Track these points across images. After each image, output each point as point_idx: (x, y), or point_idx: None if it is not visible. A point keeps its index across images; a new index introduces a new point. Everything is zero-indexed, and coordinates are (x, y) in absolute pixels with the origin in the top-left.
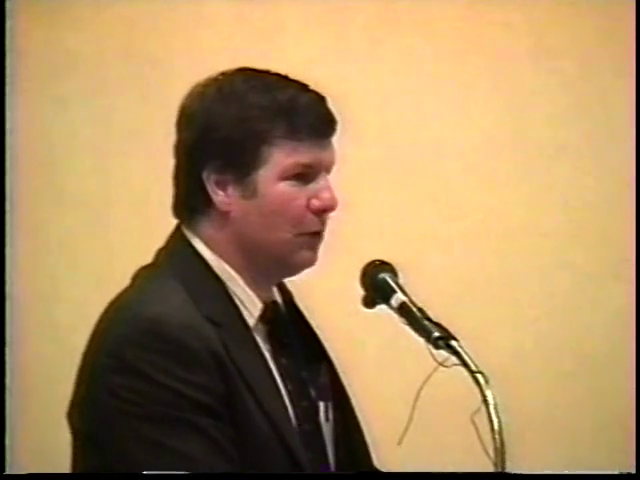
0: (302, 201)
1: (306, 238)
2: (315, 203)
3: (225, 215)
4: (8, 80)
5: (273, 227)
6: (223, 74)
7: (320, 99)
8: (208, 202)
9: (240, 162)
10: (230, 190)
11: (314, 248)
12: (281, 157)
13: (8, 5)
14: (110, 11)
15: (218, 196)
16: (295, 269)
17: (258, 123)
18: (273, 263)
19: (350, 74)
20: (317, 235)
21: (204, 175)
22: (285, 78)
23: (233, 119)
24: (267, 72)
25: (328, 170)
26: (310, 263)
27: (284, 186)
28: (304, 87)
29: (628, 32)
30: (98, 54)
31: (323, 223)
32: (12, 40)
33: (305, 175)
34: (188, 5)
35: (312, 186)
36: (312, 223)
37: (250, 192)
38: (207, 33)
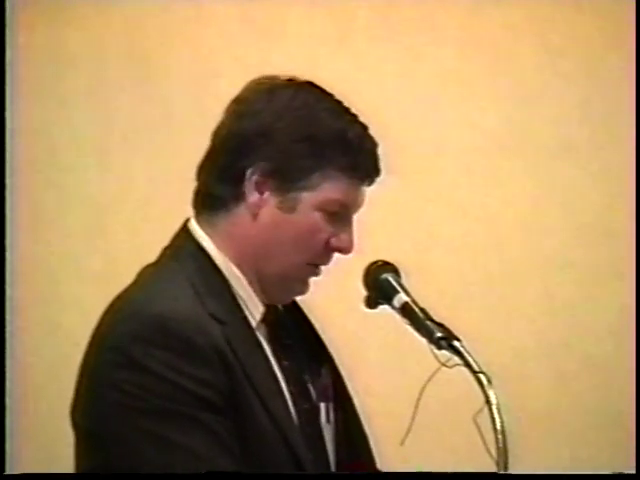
0: (325, 235)
1: (311, 269)
2: (334, 243)
3: (251, 217)
4: (9, 80)
5: (293, 247)
6: (292, 80)
7: (376, 145)
8: (239, 198)
9: (289, 176)
10: (266, 195)
11: (307, 280)
12: (329, 190)
13: (8, 5)
14: (111, 11)
15: (253, 196)
16: (288, 295)
17: (323, 149)
18: (273, 279)
19: (352, 74)
20: (318, 268)
21: (248, 172)
22: (348, 109)
23: (301, 133)
24: (332, 96)
25: (355, 212)
26: (301, 293)
27: (319, 216)
28: (365, 127)
29: (630, 32)
30: (99, 54)
31: (330, 260)
32: (13, 40)
33: (338, 213)
34: (189, 5)
35: (338, 224)
36: (323, 257)
37: (288, 207)
38: (208, 33)
